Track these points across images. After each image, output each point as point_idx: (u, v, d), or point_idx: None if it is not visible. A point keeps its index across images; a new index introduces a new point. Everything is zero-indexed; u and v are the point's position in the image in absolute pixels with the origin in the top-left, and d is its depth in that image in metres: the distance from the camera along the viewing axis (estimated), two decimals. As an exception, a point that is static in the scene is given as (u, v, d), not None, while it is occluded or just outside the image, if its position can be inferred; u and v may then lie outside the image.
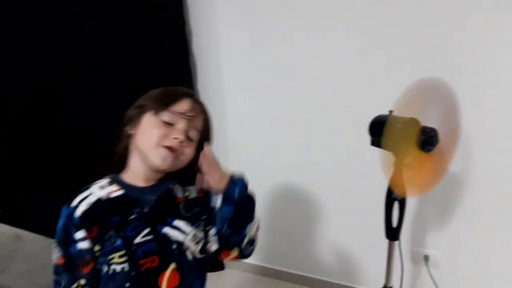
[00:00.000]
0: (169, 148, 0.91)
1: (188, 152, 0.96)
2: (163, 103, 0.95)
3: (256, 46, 1.88)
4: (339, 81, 1.77)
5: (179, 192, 1.00)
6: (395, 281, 1.52)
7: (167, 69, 1.93)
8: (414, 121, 1.19)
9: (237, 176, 0.98)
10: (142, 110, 0.97)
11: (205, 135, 1.02)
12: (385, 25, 1.63)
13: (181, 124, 0.93)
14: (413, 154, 1.20)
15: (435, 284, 1.81)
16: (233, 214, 0.93)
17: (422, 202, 1.77)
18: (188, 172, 1.00)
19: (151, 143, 0.91)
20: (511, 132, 1.54)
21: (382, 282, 1.48)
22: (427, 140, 1.16)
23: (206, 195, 1.00)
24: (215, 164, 0.95)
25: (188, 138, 0.95)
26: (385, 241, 1.41)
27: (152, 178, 0.97)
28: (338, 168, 1.88)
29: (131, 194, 0.94)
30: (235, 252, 0.98)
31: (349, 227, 1.95)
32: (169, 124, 0.93)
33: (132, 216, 0.91)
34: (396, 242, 1.43)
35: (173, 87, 1.01)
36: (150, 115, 0.94)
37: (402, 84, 1.17)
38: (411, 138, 1.17)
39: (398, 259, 1.53)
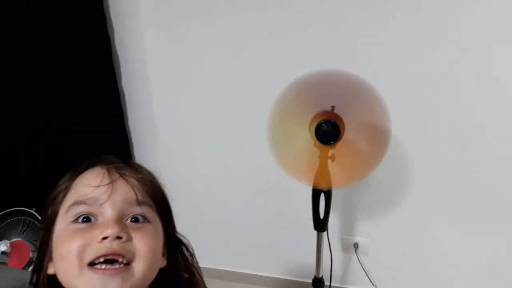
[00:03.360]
0: (104, 260, 0.54)
1: (147, 243, 0.57)
2: (60, 194, 0.62)
3: (180, 42, 1.83)
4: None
5: None
6: (326, 270, 1.57)
7: (88, 68, 1.83)
8: (319, 115, 1.20)
9: None
10: (47, 225, 0.61)
11: (161, 204, 0.65)
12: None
13: (107, 209, 0.57)
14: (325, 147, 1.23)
15: (364, 270, 1.89)
16: None
17: (350, 191, 1.83)
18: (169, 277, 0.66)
19: (70, 269, 0.54)
20: (433, 128, 1.62)
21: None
22: (320, 133, 1.16)
23: None
24: None
25: (135, 221, 0.59)
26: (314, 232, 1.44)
27: None
28: (261, 165, 1.88)
29: None
30: None
31: (279, 220, 1.98)
32: (87, 222, 0.57)
33: None
34: (325, 233, 1.47)
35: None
36: (57, 227, 0.59)
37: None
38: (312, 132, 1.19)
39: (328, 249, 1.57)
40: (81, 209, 0.57)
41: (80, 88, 1.84)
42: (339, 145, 1.22)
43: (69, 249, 0.54)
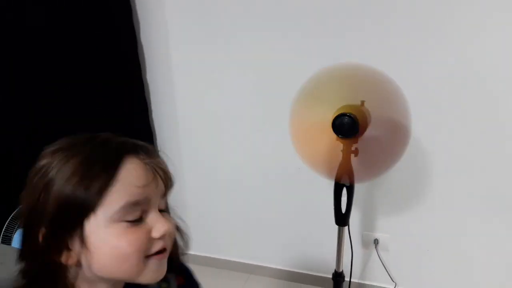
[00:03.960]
0: (159, 251, 0.61)
1: (172, 232, 0.65)
2: (97, 185, 0.56)
3: (205, 34, 1.84)
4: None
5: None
6: (345, 266, 1.57)
7: (114, 60, 1.86)
8: (344, 108, 1.20)
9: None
10: (79, 212, 0.56)
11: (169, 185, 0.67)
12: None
13: (153, 206, 0.61)
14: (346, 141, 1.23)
15: (384, 266, 1.88)
16: None
17: (371, 187, 1.82)
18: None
19: (134, 267, 0.58)
20: (454, 122, 1.60)
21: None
22: (336, 126, 1.17)
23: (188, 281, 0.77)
24: None
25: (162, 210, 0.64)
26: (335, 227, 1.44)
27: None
28: (282, 158, 1.88)
29: None
30: None
31: (299, 214, 1.98)
32: (139, 220, 0.59)
33: None
34: (346, 228, 1.46)
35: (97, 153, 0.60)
36: (100, 222, 0.56)
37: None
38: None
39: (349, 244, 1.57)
40: (136, 209, 0.58)
41: (105, 81, 1.86)
42: (362, 139, 1.22)
43: (133, 251, 0.57)
